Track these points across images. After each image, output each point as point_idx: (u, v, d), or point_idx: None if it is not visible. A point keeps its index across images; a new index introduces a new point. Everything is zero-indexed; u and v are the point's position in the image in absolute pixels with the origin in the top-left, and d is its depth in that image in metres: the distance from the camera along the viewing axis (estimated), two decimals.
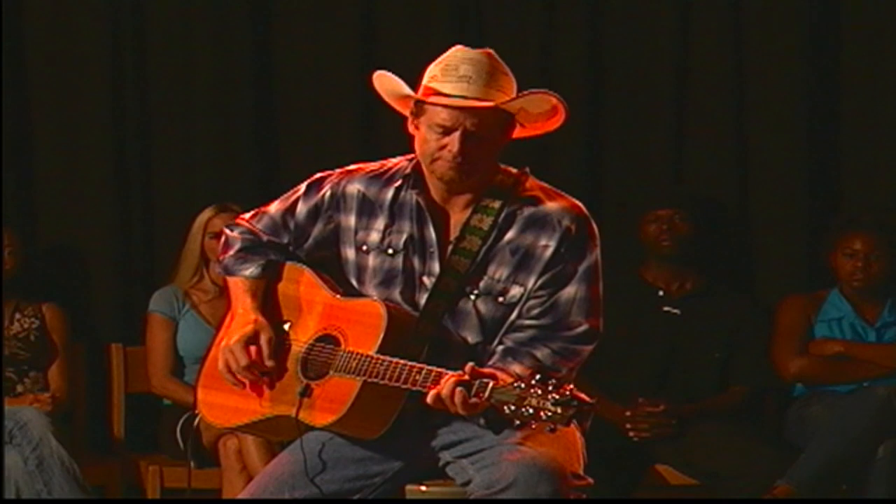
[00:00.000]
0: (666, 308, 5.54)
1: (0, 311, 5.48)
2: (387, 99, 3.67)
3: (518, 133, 3.62)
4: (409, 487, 3.68)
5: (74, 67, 5.82)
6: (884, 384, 5.32)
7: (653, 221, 5.60)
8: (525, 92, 3.54)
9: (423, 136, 3.56)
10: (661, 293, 5.57)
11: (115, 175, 5.84)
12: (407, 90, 3.58)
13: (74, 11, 5.82)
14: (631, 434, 5.33)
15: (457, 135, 3.51)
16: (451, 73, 3.53)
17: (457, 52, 3.57)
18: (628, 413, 5.32)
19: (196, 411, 3.77)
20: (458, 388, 3.36)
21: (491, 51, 3.58)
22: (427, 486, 3.69)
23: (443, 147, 3.53)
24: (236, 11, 5.86)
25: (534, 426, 3.29)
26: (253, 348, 3.63)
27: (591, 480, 3.55)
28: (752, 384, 5.54)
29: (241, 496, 3.69)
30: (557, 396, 3.25)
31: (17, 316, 5.55)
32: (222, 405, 3.70)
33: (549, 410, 3.24)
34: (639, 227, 5.62)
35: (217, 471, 5.27)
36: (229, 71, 5.86)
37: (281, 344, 3.66)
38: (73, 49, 5.81)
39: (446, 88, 3.52)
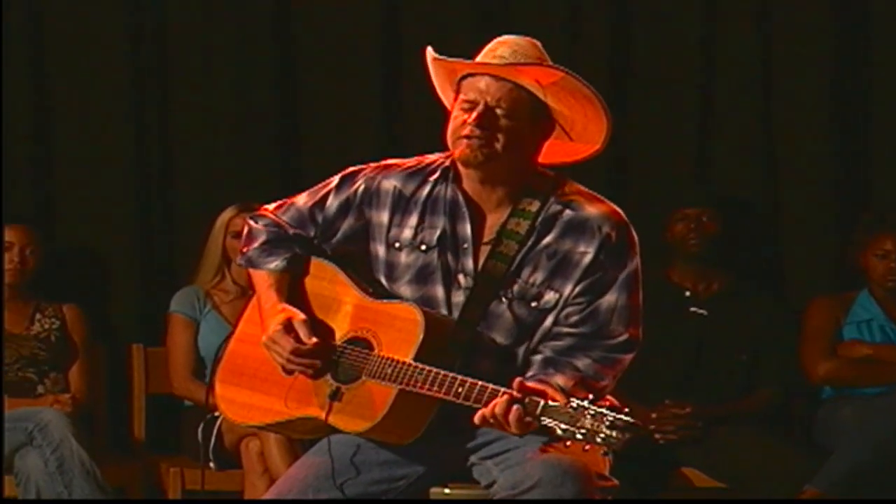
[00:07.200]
0: (693, 308, 5.50)
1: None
2: (439, 86, 3.62)
3: (561, 152, 3.57)
4: (433, 490, 3.64)
5: (95, 66, 5.81)
6: None
7: (680, 220, 5.56)
8: (549, 64, 3.48)
9: (453, 116, 3.53)
10: (687, 293, 5.54)
11: (136, 175, 5.83)
12: (458, 62, 3.52)
13: (94, 11, 5.80)
14: (657, 436, 5.29)
15: (478, 108, 3.46)
16: (488, 54, 3.51)
17: (500, 39, 3.54)
18: (654, 415, 5.29)
19: (211, 404, 3.71)
20: (515, 407, 3.28)
21: (535, 40, 3.54)
22: (451, 488, 3.65)
23: (464, 123, 3.48)
24: (258, 10, 5.84)
25: (587, 448, 3.22)
26: (292, 335, 3.56)
27: (616, 482, 3.50)
28: (779, 386, 5.50)
29: (263, 498, 3.65)
30: (613, 419, 3.17)
31: (38, 316, 5.53)
32: (244, 402, 3.65)
33: (604, 433, 3.17)
34: (666, 227, 5.58)
35: (239, 472, 5.25)
36: (251, 69, 5.84)
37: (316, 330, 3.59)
38: (93, 47, 5.80)
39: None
